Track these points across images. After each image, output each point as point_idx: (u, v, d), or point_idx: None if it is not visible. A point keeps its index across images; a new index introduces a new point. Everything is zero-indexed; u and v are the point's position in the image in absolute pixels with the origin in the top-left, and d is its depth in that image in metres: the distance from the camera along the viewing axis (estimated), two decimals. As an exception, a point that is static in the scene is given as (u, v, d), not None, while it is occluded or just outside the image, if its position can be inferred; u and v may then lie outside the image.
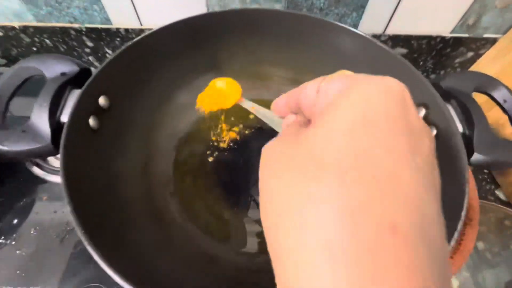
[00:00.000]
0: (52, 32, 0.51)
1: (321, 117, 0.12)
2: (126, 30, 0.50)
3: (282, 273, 0.11)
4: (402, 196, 0.10)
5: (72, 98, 0.20)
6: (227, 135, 0.37)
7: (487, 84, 0.23)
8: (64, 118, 0.20)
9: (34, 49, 0.54)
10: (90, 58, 0.56)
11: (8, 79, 0.20)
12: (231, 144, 0.37)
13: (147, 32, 0.26)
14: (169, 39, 0.28)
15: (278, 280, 0.11)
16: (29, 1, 0.46)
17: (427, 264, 0.09)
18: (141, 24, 0.49)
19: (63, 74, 0.20)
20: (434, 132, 0.24)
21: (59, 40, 0.52)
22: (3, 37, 0.51)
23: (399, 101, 0.12)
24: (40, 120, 0.19)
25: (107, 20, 0.49)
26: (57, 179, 0.35)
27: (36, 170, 0.35)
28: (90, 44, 0.53)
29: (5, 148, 0.18)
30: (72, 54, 0.55)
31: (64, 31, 0.51)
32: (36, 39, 0.52)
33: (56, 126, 0.20)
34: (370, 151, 0.10)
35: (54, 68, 0.20)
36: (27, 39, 0.52)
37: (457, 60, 0.54)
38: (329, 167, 0.10)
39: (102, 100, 0.24)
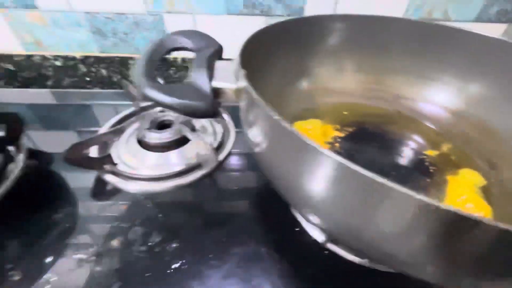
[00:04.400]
0: (111, 62, 0.53)
1: None
2: (183, 59, 0.53)
3: None
4: None
5: (217, 67, 0.20)
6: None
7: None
8: (215, 84, 0.19)
9: (87, 79, 0.55)
10: (140, 88, 0.57)
11: (159, 43, 0.20)
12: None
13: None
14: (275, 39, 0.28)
15: None
16: (98, 32, 0.50)
17: None
18: (199, 54, 0.53)
19: (206, 47, 0.21)
20: None
21: (115, 70, 0.55)
22: (61, 67, 0.53)
23: None
24: (201, 81, 0.18)
25: (167, 51, 0.52)
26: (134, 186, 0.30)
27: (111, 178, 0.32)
28: (144, 73, 0.55)
29: (175, 100, 0.17)
30: (123, 83, 0.57)
31: (123, 61, 0.53)
32: (93, 69, 0.54)
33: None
34: None
35: (200, 42, 0.21)
36: (84, 69, 0.54)
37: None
38: None
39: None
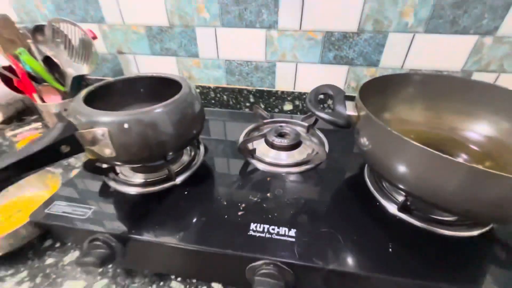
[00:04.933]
0: (231, 91, 0.77)
1: None
2: (282, 92, 0.74)
3: None
4: None
5: (347, 103, 0.40)
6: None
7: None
8: (348, 112, 0.39)
9: (212, 101, 0.80)
10: (246, 110, 0.79)
11: (316, 90, 0.41)
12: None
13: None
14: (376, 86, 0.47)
15: None
16: (230, 72, 0.74)
17: None
18: (294, 88, 0.73)
19: (338, 93, 0.40)
20: None
21: (232, 96, 0.78)
22: (199, 93, 0.78)
23: None
24: (341, 109, 0.38)
25: (272, 85, 0.74)
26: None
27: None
28: (252, 100, 0.78)
29: (332, 119, 0.37)
30: (235, 106, 0.79)
31: (240, 91, 0.76)
32: (218, 95, 0.78)
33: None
34: None
35: (337, 92, 0.41)
36: (212, 95, 0.79)
37: None
38: None
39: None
